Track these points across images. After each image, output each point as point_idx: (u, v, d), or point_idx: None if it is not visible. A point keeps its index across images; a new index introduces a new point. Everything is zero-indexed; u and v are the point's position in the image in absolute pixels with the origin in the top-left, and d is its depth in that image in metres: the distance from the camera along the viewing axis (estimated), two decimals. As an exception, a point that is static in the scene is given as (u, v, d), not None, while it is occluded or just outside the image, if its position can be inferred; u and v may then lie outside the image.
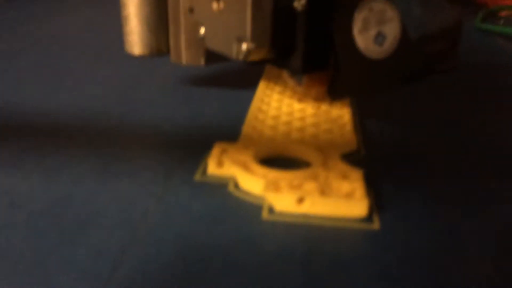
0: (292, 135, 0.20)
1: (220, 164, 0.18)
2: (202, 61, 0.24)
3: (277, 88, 0.25)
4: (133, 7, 0.23)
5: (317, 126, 0.21)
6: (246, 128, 0.21)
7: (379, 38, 0.17)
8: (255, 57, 0.19)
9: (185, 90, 0.26)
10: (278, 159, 0.19)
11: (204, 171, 0.18)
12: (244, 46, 0.18)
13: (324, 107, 0.23)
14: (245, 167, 0.17)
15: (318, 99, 0.23)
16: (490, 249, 0.14)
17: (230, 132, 0.21)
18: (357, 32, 0.18)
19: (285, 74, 0.24)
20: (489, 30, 0.41)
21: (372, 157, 0.19)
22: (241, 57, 0.19)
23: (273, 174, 0.17)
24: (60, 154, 0.19)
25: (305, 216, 0.15)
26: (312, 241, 0.14)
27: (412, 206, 0.16)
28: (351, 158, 0.19)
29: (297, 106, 0.23)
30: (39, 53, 0.34)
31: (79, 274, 0.13)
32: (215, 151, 0.18)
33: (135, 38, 0.23)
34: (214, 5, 0.20)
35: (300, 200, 0.15)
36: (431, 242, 0.14)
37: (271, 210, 0.16)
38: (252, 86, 0.26)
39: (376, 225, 0.15)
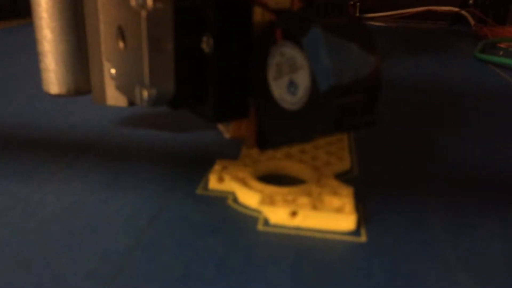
0: (292, 155, 0.21)
1: (220, 179, 0.19)
2: (125, 102, 0.22)
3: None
4: (47, 44, 0.21)
5: (317, 147, 0.22)
6: (247, 147, 0.22)
7: (291, 87, 0.16)
8: (161, 103, 0.17)
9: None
10: (275, 176, 0.20)
11: (206, 186, 0.19)
12: (145, 93, 0.17)
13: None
14: (244, 183, 0.18)
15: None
16: (471, 261, 0.15)
17: (232, 152, 0.22)
18: (272, 79, 0.17)
19: None
20: (487, 60, 0.42)
21: (364, 176, 0.20)
22: (144, 104, 0.17)
23: (269, 189, 0.18)
24: (72, 167, 0.21)
25: (297, 228, 0.16)
26: (303, 251, 0.15)
27: (398, 220, 0.17)
28: (345, 177, 0.20)
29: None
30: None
31: (87, 274, 0.14)
32: (217, 167, 0.20)
33: (52, 76, 0.21)
34: (120, 44, 0.18)
35: (293, 214, 0.16)
36: (414, 253, 0.15)
37: (266, 222, 0.17)
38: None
39: (363, 237, 0.16)
